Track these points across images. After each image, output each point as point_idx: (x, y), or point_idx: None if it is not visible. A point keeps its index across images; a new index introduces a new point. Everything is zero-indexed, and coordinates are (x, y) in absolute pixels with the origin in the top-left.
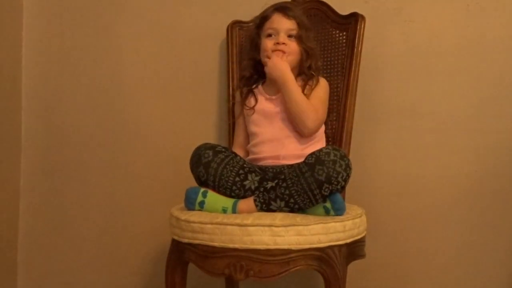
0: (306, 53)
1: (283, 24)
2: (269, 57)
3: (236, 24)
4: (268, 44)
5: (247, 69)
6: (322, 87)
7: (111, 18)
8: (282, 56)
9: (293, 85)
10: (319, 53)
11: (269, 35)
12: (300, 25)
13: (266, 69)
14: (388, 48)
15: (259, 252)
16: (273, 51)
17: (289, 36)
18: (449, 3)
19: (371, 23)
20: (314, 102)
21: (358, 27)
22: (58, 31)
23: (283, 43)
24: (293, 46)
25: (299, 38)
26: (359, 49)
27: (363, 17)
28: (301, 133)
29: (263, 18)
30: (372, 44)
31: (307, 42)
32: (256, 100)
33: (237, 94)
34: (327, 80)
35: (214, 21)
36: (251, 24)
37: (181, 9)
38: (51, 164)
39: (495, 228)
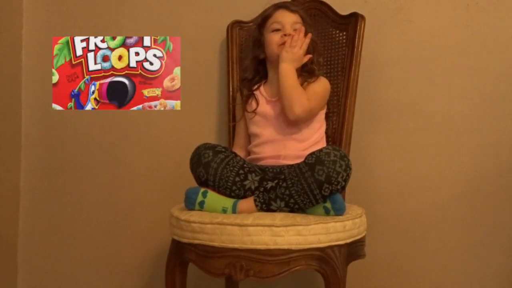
0: (311, 47)
1: (288, 18)
2: (275, 50)
3: (236, 24)
4: (274, 38)
5: (248, 70)
6: (320, 83)
7: (111, 18)
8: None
9: (291, 72)
10: (322, 49)
11: (275, 30)
12: (303, 19)
13: (281, 54)
14: (388, 48)
15: (259, 252)
16: (280, 44)
17: (294, 29)
18: (449, 3)
19: (371, 23)
20: (308, 93)
21: (358, 27)
22: (58, 31)
23: (290, 35)
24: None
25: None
26: (359, 49)
27: (363, 17)
28: (288, 119)
29: (266, 17)
30: (372, 44)
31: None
32: (257, 103)
33: (238, 96)
34: (327, 80)
35: (214, 21)
36: (251, 24)
37: (181, 9)
38: (51, 164)
39: (495, 228)
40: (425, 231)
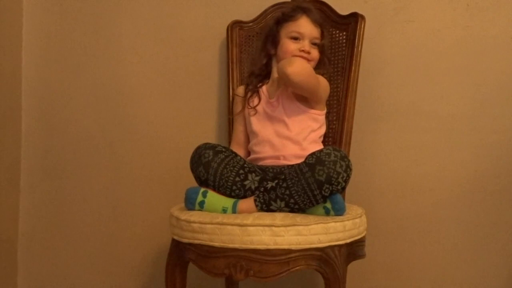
0: (323, 63)
1: (310, 31)
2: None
3: (236, 24)
4: (291, 47)
5: (258, 64)
6: (319, 76)
7: (111, 18)
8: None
9: None
10: (330, 57)
11: (294, 38)
12: (323, 34)
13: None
14: (388, 48)
15: (259, 252)
16: (295, 56)
17: (313, 43)
18: (449, 3)
19: (371, 23)
20: None
21: (358, 27)
22: (58, 31)
23: (308, 52)
24: (315, 55)
25: (321, 48)
26: (359, 49)
27: (363, 17)
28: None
29: (288, 17)
30: (372, 44)
31: (327, 52)
32: (259, 100)
33: (240, 89)
34: (327, 80)
35: (214, 21)
36: (251, 24)
37: (181, 9)
38: (51, 164)
39: (495, 228)
40: (425, 231)
